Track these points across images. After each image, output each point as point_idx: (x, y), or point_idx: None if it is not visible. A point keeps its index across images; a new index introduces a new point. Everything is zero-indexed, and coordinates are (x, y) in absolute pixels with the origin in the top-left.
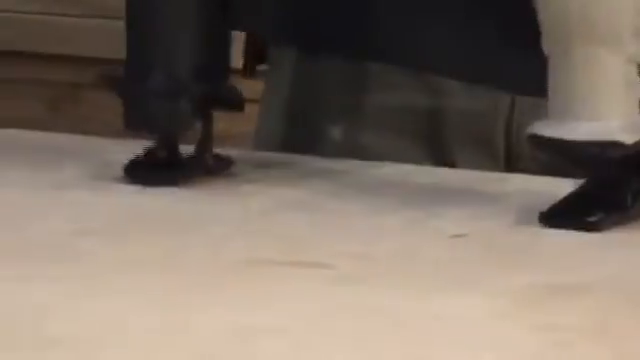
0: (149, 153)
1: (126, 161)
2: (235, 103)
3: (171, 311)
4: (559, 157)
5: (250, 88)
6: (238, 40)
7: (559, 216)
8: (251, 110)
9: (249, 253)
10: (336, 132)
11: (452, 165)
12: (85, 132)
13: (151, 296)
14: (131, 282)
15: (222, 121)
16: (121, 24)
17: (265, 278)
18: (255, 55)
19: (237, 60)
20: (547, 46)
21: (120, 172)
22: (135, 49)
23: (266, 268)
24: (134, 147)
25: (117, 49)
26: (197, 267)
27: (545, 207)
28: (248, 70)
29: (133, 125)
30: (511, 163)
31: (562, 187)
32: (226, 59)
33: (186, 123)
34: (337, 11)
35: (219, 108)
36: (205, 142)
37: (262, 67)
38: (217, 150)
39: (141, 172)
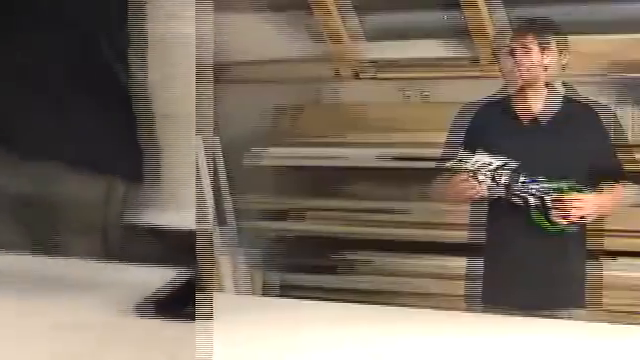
0: None
1: None
2: None
3: None
4: (155, 244)
5: None
6: None
7: (158, 305)
8: None
9: None
10: None
11: (63, 253)
12: None
13: None
14: None
15: None
16: None
17: None
18: None
19: None
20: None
21: None
22: None
23: None
24: None
25: None
26: None
27: (145, 296)
28: None
29: None
30: (121, 251)
31: (163, 276)
32: None
33: None
34: None
35: None
36: None
37: None
38: None
39: None
